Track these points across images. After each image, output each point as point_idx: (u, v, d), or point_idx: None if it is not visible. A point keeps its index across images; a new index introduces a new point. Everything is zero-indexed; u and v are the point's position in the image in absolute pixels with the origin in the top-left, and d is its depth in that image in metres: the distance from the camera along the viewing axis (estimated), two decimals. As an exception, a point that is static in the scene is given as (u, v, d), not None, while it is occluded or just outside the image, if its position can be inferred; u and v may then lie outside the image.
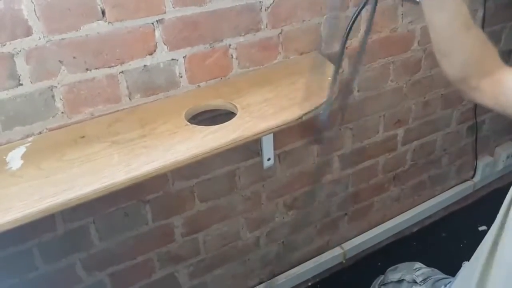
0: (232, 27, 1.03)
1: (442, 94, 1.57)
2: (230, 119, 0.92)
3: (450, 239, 1.76)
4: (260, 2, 1.04)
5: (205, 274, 1.38)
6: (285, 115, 0.91)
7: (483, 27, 1.49)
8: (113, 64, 0.93)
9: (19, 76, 0.84)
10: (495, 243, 0.78)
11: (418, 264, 1.12)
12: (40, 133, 0.91)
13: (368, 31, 0.91)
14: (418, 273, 1.08)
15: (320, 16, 1.14)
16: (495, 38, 1.59)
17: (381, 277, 1.17)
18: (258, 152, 1.26)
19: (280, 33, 1.10)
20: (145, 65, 0.96)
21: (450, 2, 0.79)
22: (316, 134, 0.98)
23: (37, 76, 0.86)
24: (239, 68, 1.08)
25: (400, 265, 1.14)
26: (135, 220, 1.15)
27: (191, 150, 0.82)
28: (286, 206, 1.43)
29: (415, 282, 1.06)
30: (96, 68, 0.91)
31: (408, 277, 1.08)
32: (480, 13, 1.47)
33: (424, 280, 1.05)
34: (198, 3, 0.96)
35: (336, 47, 0.87)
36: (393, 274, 1.12)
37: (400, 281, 1.09)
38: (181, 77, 1.02)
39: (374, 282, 1.19)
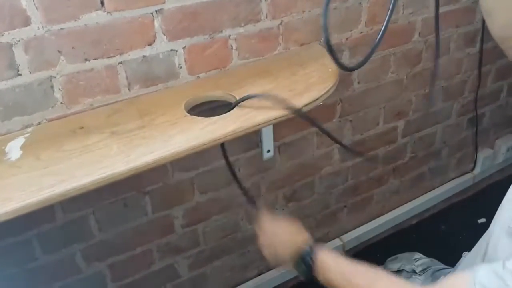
0: (232, 18, 1.02)
1: (442, 86, 1.57)
2: (230, 110, 0.91)
3: (450, 232, 1.76)
4: (260, -8, 1.03)
5: (204, 265, 1.38)
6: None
7: (484, 20, 1.48)
8: (112, 55, 0.92)
9: (17, 66, 0.84)
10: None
11: (417, 255, 1.13)
12: (39, 123, 0.91)
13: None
14: (417, 263, 1.08)
15: (320, 7, 1.13)
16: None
17: (381, 267, 1.17)
18: (258, 144, 1.26)
19: (280, 24, 1.09)
20: (144, 56, 0.96)
21: None
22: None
23: (36, 66, 0.86)
24: (239, 59, 1.08)
25: (400, 256, 1.15)
26: (134, 211, 1.15)
27: (190, 141, 0.82)
28: (286, 198, 1.43)
29: (414, 272, 1.07)
30: (95, 59, 0.91)
31: (407, 267, 1.08)
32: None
33: (424, 270, 1.06)
34: (198, -7, 0.96)
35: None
36: (393, 264, 1.12)
37: (400, 271, 1.10)
38: (181, 68, 1.01)
39: (373, 273, 1.19)
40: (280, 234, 0.88)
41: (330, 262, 0.78)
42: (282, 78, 1.01)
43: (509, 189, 0.78)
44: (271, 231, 0.90)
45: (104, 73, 0.93)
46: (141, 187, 1.13)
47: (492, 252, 0.76)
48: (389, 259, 1.17)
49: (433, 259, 1.11)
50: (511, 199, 0.74)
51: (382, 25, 0.89)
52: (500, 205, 0.77)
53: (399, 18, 1.30)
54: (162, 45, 0.96)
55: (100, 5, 0.86)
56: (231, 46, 1.05)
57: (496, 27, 0.79)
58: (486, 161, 1.92)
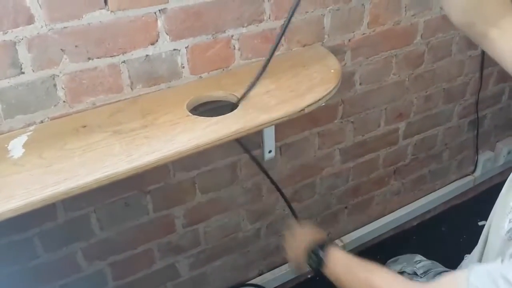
0: (235, 18, 1.02)
1: (444, 88, 1.57)
2: (232, 110, 0.91)
3: (450, 234, 1.77)
4: (263, -7, 1.03)
5: (205, 265, 1.38)
6: (287, 107, 0.91)
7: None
8: (115, 54, 0.92)
9: (21, 65, 0.84)
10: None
11: (418, 257, 1.13)
12: (41, 122, 0.91)
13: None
14: (419, 265, 1.08)
15: (323, 8, 1.13)
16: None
17: (382, 268, 1.17)
18: (260, 144, 1.26)
19: (283, 24, 1.09)
20: (147, 55, 0.96)
21: None
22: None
23: (39, 65, 0.86)
24: (242, 59, 1.08)
25: (401, 257, 1.15)
26: (136, 210, 1.15)
27: (192, 141, 0.82)
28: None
29: (415, 274, 1.07)
30: (98, 57, 0.91)
31: (409, 269, 1.08)
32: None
33: (425, 273, 1.06)
34: (201, -7, 0.96)
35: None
36: (394, 266, 1.12)
37: (401, 273, 1.10)
38: (183, 67, 1.01)
39: (374, 274, 1.19)
40: (303, 235, 1.03)
41: (339, 255, 0.90)
42: (285, 79, 1.01)
43: (500, 194, 0.79)
44: (297, 233, 1.05)
45: (107, 72, 0.93)
46: (142, 186, 1.13)
47: (487, 256, 0.77)
48: (390, 260, 1.17)
49: (434, 262, 1.11)
50: (501, 202, 0.74)
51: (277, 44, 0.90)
52: (493, 208, 0.77)
53: (401, 19, 1.30)
54: (165, 44, 0.97)
55: (104, 4, 0.86)
56: (234, 46, 1.05)
57: (456, 12, 0.79)
58: (487, 164, 1.92)
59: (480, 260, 0.81)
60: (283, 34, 0.87)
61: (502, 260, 0.60)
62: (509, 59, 0.77)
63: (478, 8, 0.78)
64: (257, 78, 0.92)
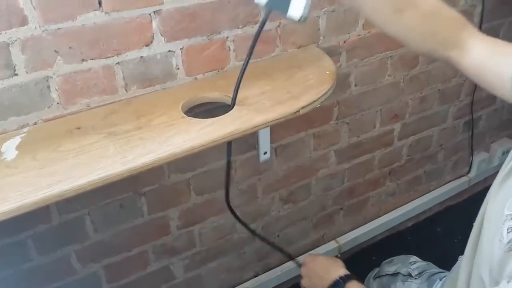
0: (230, 19, 1.02)
1: (439, 90, 1.57)
2: (227, 112, 0.91)
3: (445, 234, 1.77)
4: (258, -6, 1.03)
5: (200, 266, 1.38)
6: (282, 109, 0.91)
7: (481, 22, 1.49)
8: (109, 55, 0.92)
9: (14, 66, 0.83)
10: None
11: (413, 258, 1.12)
12: (35, 123, 0.90)
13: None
14: (413, 266, 1.08)
15: (318, 10, 1.13)
16: (493, 34, 1.59)
17: (376, 270, 1.17)
18: (255, 146, 1.26)
19: (278, 26, 1.09)
20: (141, 56, 0.95)
21: (368, 4, 0.79)
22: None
23: (33, 66, 0.85)
24: (237, 61, 1.08)
25: (396, 258, 1.14)
26: (130, 212, 1.14)
27: (187, 142, 0.82)
28: (282, 200, 1.43)
29: (410, 275, 1.07)
30: (92, 59, 0.90)
31: (403, 271, 1.08)
32: (478, 9, 1.47)
33: (420, 274, 1.06)
34: (196, -6, 0.96)
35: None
36: (389, 267, 1.12)
37: (395, 274, 1.09)
38: (178, 69, 1.01)
39: (369, 275, 1.19)
40: (319, 269, 1.00)
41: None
42: (280, 80, 1.01)
43: (488, 197, 0.79)
44: (311, 267, 1.02)
45: (101, 74, 0.93)
46: (137, 188, 1.12)
47: (479, 257, 0.77)
48: (385, 261, 1.17)
49: (429, 263, 1.11)
50: (494, 208, 0.74)
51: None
52: (485, 213, 0.77)
53: (396, 21, 1.30)
54: (159, 46, 0.96)
55: (98, 5, 0.86)
56: (229, 47, 1.05)
57: (411, 46, 0.82)
58: (482, 165, 1.92)
59: (471, 266, 0.81)
60: (253, 47, 0.85)
61: (508, 282, 0.59)
62: (474, 76, 0.80)
63: (435, 35, 0.81)
64: (239, 84, 0.90)
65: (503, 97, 0.78)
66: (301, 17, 0.77)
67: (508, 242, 0.64)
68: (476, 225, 0.82)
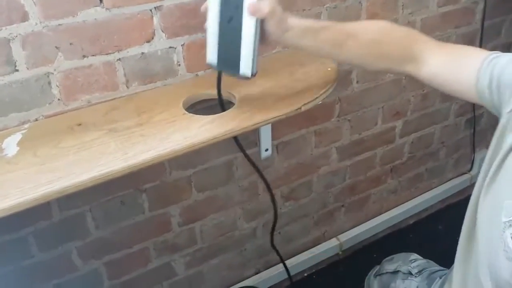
0: (231, 16, 1.01)
1: (441, 87, 1.57)
2: (228, 108, 0.91)
3: (447, 232, 1.76)
4: (260, -10, 1.03)
5: (201, 263, 1.38)
6: (284, 106, 0.90)
7: (483, 19, 1.49)
8: (110, 51, 0.91)
9: (15, 62, 0.83)
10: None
11: (414, 256, 1.12)
12: (36, 120, 0.90)
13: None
14: (413, 264, 1.08)
15: (320, 6, 1.13)
16: (495, 31, 1.59)
17: (377, 267, 1.17)
18: (256, 142, 1.25)
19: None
20: (142, 53, 0.95)
21: (305, 42, 0.81)
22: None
23: (34, 62, 0.85)
24: (238, 57, 1.07)
25: (396, 256, 1.14)
26: (131, 209, 1.14)
27: (188, 139, 0.81)
28: (283, 197, 1.43)
29: (410, 273, 1.06)
30: (93, 55, 0.90)
31: (403, 269, 1.08)
32: (480, 6, 1.46)
33: (420, 272, 1.05)
34: (197, -10, 0.95)
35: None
36: (389, 265, 1.12)
37: (396, 272, 1.09)
38: (179, 65, 1.01)
39: (370, 272, 1.19)
40: None
41: None
42: (282, 77, 1.01)
43: (472, 200, 0.79)
44: None
45: (102, 70, 0.92)
46: (138, 184, 1.12)
47: (477, 264, 0.76)
48: (386, 259, 1.17)
49: (430, 261, 1.10)
50: (487, 215, 0.74)
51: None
52: (478, 213, 0.77)
53: (398, 18, 1.29)
54: (160, 42, 0.96)
55: (99, 1, 0.86)
56: (230, 44, 1.05)
57: (371, 65, 0.87)
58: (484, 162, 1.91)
59: (464, 269, 0.81)
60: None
61: None
62: (437, 85, 0.83)
63: (385, 56, 0.84)
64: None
65: (471, 101, 0.80)
66: (253, 73, 0.82)
67: None
68: (465, 230, 0.82)
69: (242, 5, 0.75)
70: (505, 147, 0.72)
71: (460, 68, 0.79)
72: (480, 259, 0.75)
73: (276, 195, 1.40)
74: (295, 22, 0.79)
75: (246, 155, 1.11)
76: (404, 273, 1.08)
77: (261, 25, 0.77)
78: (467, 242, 0.81)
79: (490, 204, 0.74)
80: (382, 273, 1.12)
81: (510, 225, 0.66)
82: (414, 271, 1.07)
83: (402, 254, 1.15)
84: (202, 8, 0.81)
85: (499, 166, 0.73)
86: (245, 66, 0.81)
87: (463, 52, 0.82)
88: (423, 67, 0.82)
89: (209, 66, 0.85)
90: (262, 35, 0.79)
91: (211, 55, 0.83)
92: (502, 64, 0.74)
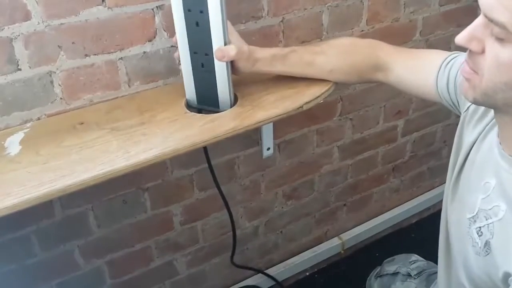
0: (234, 15, 1.02)
1: (443, 86, 1.56)
2: (230, 107, 0.91)
3: (448, 231, 1.76)
4: (261, -11, 1.03)
5: (203, 262, 1.38)
6: (285, 104, 0.90)
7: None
8: (112, 50, 0.92)
9: (17, 61, 0.83)
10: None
11: (414, 257, 1.12)
12: (38, 118, 0.90)
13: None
14: (413, 266, 1.08)
15: (321, 5, 1.13)
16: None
17: (378, 268, 1.17)
18: (258, 141, 1.25)
19: (282, 21, 1.09)
20: (144, 52, 0.95)
21: (276, 68, 0.89)
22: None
23: (36, 61, 0.85)
24: (240, 56, 1.07)
25: (397, 257, 1.14)
26: (133, 208, 1.15)
27: (190, 138, 0.82)
28: (285, 196, 1.43)
29: (409, 275, 1.07)
30: (95, 54, 0.90)
31: (403, 270, 1.08)
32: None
33: (419, 274, 1.06)
34: (199, -11, 0.95)
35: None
36: (389, 266, 1.12)
37: (396, 273, 1.10)
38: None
39: (371, 273, 1.19)
40: None
41: None
42: (283, 76, 1.00)
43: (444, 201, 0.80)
44: None
45: (104, 69, 0.93)
46: (140, 183, 1.12)
47: (454, 264, 0.77)
48: (386, 260, 1.17)
49: (429, 262, 1.10)
50: (457, 222, 0.74)
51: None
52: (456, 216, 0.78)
53: (400, 16, 1.29)
54: (162, 41, 0.96)
55: (101, 0, 0.86)
56: (232, 43, 1.05)
57: (345, 79, 0.93)
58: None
59: (448, 274, 0.81)
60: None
61: None
62: (401, 88, 0.86)
63: (355, 67, 0.88)
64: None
65: (436, 102, 0.84)
66: (231, 105, 0.89)
67: (485, 246, 0.64)
68: (441, 233, 0.82)
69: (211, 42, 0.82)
70: (464, 146, 0.74)
71: (421, 72, 0.83)
72: (457, 261, 0.75)
73: (278, 194, 1.40)
74: (262, 53, 0.87)
75: (210, 166, 1.12)
76: (403, 275, 1.09)
77: (231, 63, 0.85)
78: (445, 246, 0.81)
79: (456, 206, 0.75)
80: (383, 275, 1.13)
81: (475, 220, 0.67)
82: (413, 273, 1.07)
83: (402, 256, 1.15)
84: (175, 55, 0.88)
85: (461, 167, 0.74)
86: (223, 102, 0.89)
87: (424, 55, 0.85)
88: (390, 74, 0.85)
89: (189, 103, 0.92)
90: (234, 71, 0.86)
91: (190, 93, 0.91)
92: (458, 65, 0.75)
